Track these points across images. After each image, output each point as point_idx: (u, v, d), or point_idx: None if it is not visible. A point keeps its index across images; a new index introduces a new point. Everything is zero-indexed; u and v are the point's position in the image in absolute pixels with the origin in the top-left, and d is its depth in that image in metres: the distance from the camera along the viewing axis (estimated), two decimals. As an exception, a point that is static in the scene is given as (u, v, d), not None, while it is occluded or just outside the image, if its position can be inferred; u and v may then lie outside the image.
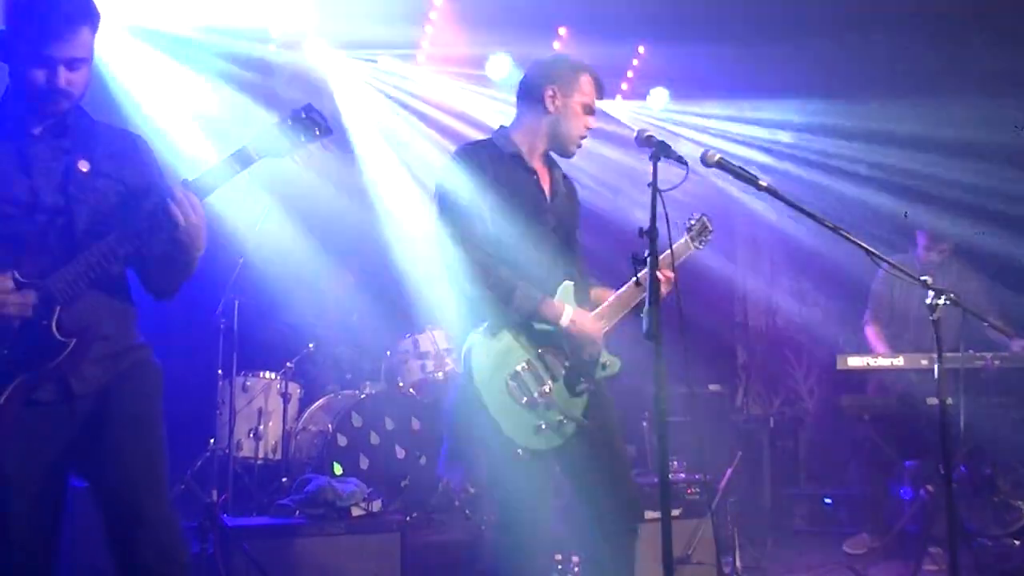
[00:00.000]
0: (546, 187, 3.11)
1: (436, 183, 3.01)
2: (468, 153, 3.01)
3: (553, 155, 3.18)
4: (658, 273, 2.55)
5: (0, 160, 2.32)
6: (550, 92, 3.05)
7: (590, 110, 3.09)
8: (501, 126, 3.16)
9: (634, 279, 2.84)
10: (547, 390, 2.88)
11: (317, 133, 2.45)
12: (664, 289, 2.83)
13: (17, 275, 2.24)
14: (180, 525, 2.50)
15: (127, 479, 2.40)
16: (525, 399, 2.85)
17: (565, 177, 3.25)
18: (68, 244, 2.33)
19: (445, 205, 2.95)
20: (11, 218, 2.31)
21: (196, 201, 2.33)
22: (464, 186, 2.91)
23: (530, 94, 3.09)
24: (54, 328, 2.28)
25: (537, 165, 3.10)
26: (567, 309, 2.91)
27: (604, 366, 3.03)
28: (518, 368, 2.87)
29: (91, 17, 2.34)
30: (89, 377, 2.38)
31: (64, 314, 2.29)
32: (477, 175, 2.94)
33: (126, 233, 2.32)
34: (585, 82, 3.08)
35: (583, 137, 3.10)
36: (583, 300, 3.06)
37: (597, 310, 3.04)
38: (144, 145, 2.58)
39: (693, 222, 3.24)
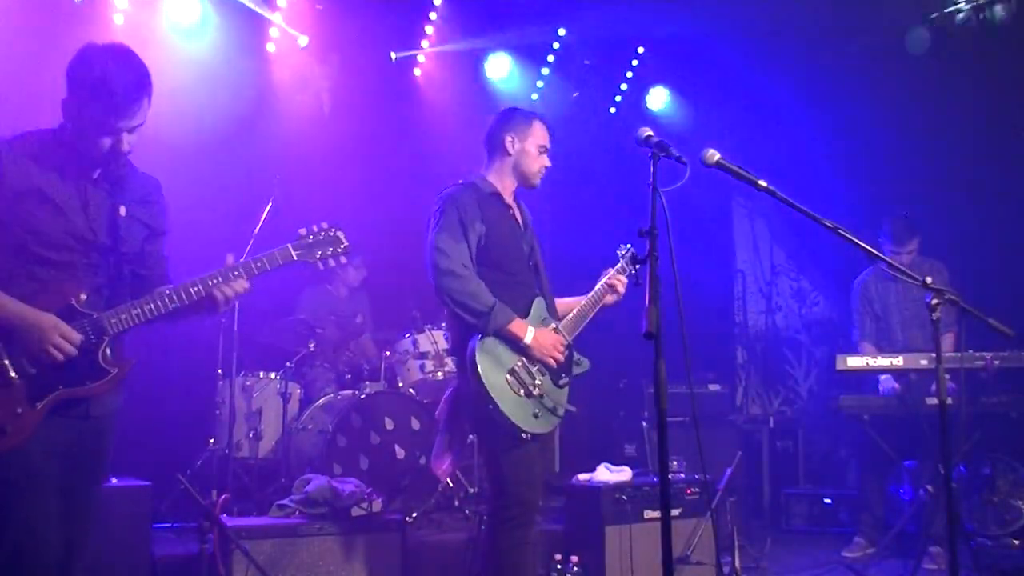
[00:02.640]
0: (519, 220, 3.66)
1: (431, 219, 3.49)
2: (457, 194, 3.51)
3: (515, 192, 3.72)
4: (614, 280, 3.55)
5: (67, 198, 2.57)
6: (508, 138, 3.63)
7: (544, 149, 3.64)
8: (478, 172, 3.66)
9: (601, 285, 3.65)
10: (538, 383, 3.40)
11: (340, 250, 2.90)
12: (611, 299, 3.65)
13: (75, 303, 2.53)
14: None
15: (83, 521, 2.64)
16: (523, 391, 3.36)
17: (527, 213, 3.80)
18: (116, 282, 2.65)
19: (437, 234, 3.42)
20: (74, 251, 2.57)
21: (246, 286, 2.68)
22: (454, 221, 3.43)
23: (493, 142, 3.67)
24: (100, 357, 2.55)
25: (510, 202, 3.66)
26: (530, 330, 3.40)
27: (578, 364, 3.60)
28: (514, 366, 3.37)
29: (149, 88, 2.59)
30: (103, 402, 2.62)
31: (111, 347, 2.57)
32: (466, 212, 3.45)
33: (182, 290, 2.62)
34: (537, 127, 3.65)
35: (542, 173, 3.65)
36: (552, 312, 3.62)
37: (563, 322, 3.58)
38: (161, 190, 2.84)
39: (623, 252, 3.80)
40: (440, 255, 3.38)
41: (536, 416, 3.35)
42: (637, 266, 3.71)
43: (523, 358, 3.38)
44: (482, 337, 3.34)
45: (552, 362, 3.42)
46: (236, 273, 2.66)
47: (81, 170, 2.60)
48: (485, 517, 3.68)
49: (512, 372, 3.35)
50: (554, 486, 4.96)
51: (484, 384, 3.26)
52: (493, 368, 3.32)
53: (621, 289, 3.67)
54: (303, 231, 2.85)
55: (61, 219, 2.54)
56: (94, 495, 2.69)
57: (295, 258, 2.79)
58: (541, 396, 3.38)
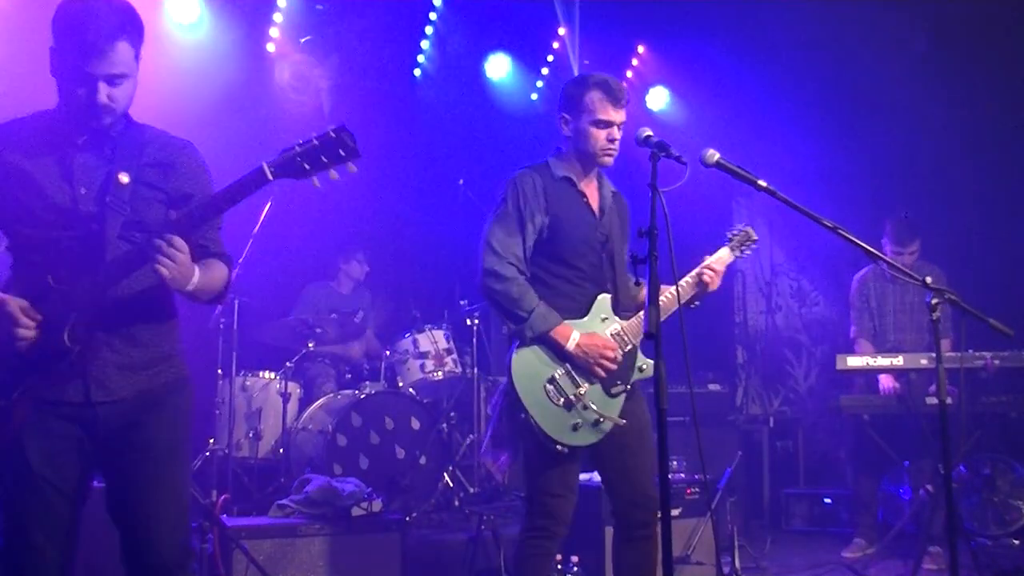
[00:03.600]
0: (595, 205, 3.29)
1: (494, 206, 3.24)
2: (522, 178, 3.23)
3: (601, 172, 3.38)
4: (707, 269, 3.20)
5: (45, 167, 2.36)
6: (563, 118, 3.26)
7: (603, 124, 3.19)
8: (557, 149, 3.33)
9: (691, 275, 3.26)
10: (582, 392, 3.10)
11: (342, 154, 2.27)
12: (713, 283, 3.26)
13: (51, 279, 2.31)
14: (189, 547, 2.53)
15: (144, 507, 2.43)
16: (562, 400, 3.08)
17: (615, 193, 3.40)
18: (98, 253, 2.36)
19: (491, 226, 3.19)
20: (50, 225, 2.35)
21: (181, 246, 2.27)
22: (511, 212, 3.18)
23: (558, 121, 3.30)
24: (65, 335, 2.31)
25: (586, 185, 3.30)
26: (573, 336, 3.11)
27: (640, 369, 3.24)
28: (555, 374, 3.11)
29: (129, 32, 2.34)
30: (113, 386, 2.39)
31: (80, 321, 2.32)
32: (526, 202, 3.18)
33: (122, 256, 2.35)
34: (591, 100, 3.19)
35: (607, 150, 3.22)
36: (628, 307, 3.29)
37: (629, 322, 3.23)
38: (192, 152, 2.57)
39: (735, 234, 3.43)
40: (488, 252, 3.14)
41: (576, 428, 3.08)
42: (745, 252, 3.42)
43: (567, 364, 3.11)
44: (520, 344, 3.11)
45: (599, 371, 3.11)
46: (180, 220, 2.28)
47: (65, 137, 2.38)
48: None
49: (552, 381, 3.09)
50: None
51: (518, 392, 3.06)
52: (531, 375, 3.08)
53: (710, 280, 3.26)
54: (296, 143, 2.28)
55: (41, 194, 2.34)
56: (146, 493, 2.40)
57: (271, 177, 2.27)
58: (585, 407, 3.09)
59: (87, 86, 2.30)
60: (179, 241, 2.27)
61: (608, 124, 3.19)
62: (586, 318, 3.18)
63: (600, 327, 3.18)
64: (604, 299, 3.21)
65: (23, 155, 2.37)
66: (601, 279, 3.24)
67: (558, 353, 3.11)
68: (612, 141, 3.21)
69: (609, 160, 3.25)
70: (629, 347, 3.20)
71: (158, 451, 2.44)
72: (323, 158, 2.27)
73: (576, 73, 7.34)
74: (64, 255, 2.35)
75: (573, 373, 3.12)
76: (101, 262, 2.35)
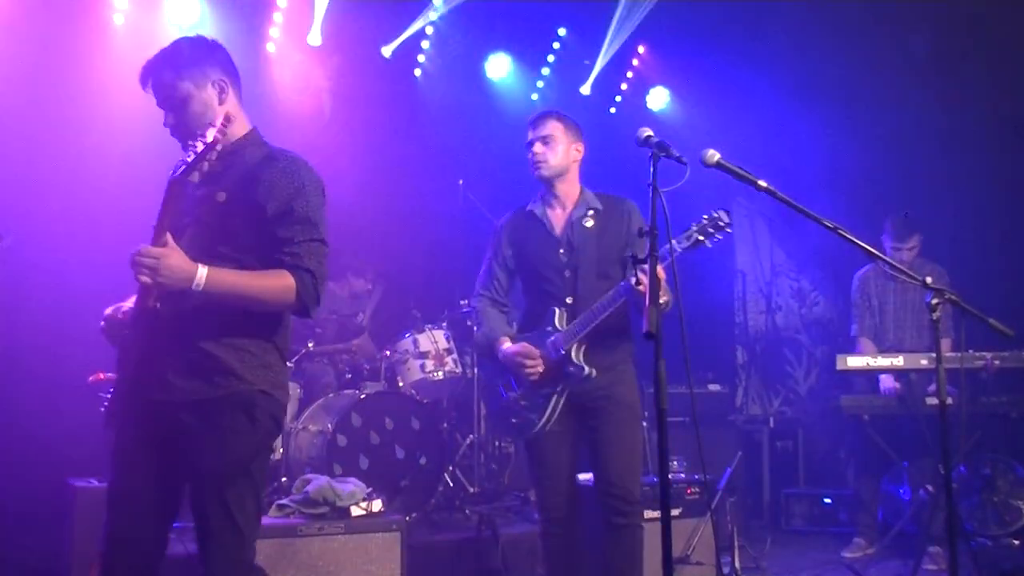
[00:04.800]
0: (557, 229, 3.61)
1: None
2: (498, 224, 3.78)
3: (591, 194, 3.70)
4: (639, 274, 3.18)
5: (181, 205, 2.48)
6: None
7: (529, 144, 3.64)
8: None
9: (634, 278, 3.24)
10: (515, 396, 3.58)
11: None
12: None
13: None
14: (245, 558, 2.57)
15: (200, 527, 2.54)
16: (502, 401, 3.64)
17: (600, 210, 3.62)
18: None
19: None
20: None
21: (151, 253, 2.35)
22: (489, 250, 3.76)
23: None
24: (133, 336, 2.56)
25: (554, 211, 3.65)
26: (501, 347, 3.55)
27: (568, 376, 3.47)
28: (500, 381, 3.65)
29: (164, 64, 2.58)
30: (167, 385, 2.48)
31: (148, 325, 2.48)
32: (496, 238, 3.74)
33: None
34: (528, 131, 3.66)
35: (531, 165, 3.63)
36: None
37: (564, 331, 3.47)
38: (279, 165, 2.60)
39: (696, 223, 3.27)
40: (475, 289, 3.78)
41: (512, 426, 3.61)
42: (704, 242, 3.22)
43: (509, 373, 3.59)
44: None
45: (524, 377, 3.51)
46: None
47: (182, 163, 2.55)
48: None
49: (498, 385, 3.65)
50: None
51: (481, 388, 3.65)
52: (488, 380, 3.78)
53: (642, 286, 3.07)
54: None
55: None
56: (198, 513, 2.50)
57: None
58: (517, 408, 3.57)
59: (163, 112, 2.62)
60: (148, 248, 2.35)
61: (529, 144, 3.62)
62: (536, 331, 3.56)
63: (543, 338, 3.52)
64: (553, 312, 3.52)
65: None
66: (560, 294, 3.54)
67: (500, 363, 3.59)
68: (532, 156, 3.60)
69: (538, 172, 3.60)
70: (562, 353, 3.44)
71: (203, 473, 2.49)
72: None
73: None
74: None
75: (511, 379, 3.58)
76: None
